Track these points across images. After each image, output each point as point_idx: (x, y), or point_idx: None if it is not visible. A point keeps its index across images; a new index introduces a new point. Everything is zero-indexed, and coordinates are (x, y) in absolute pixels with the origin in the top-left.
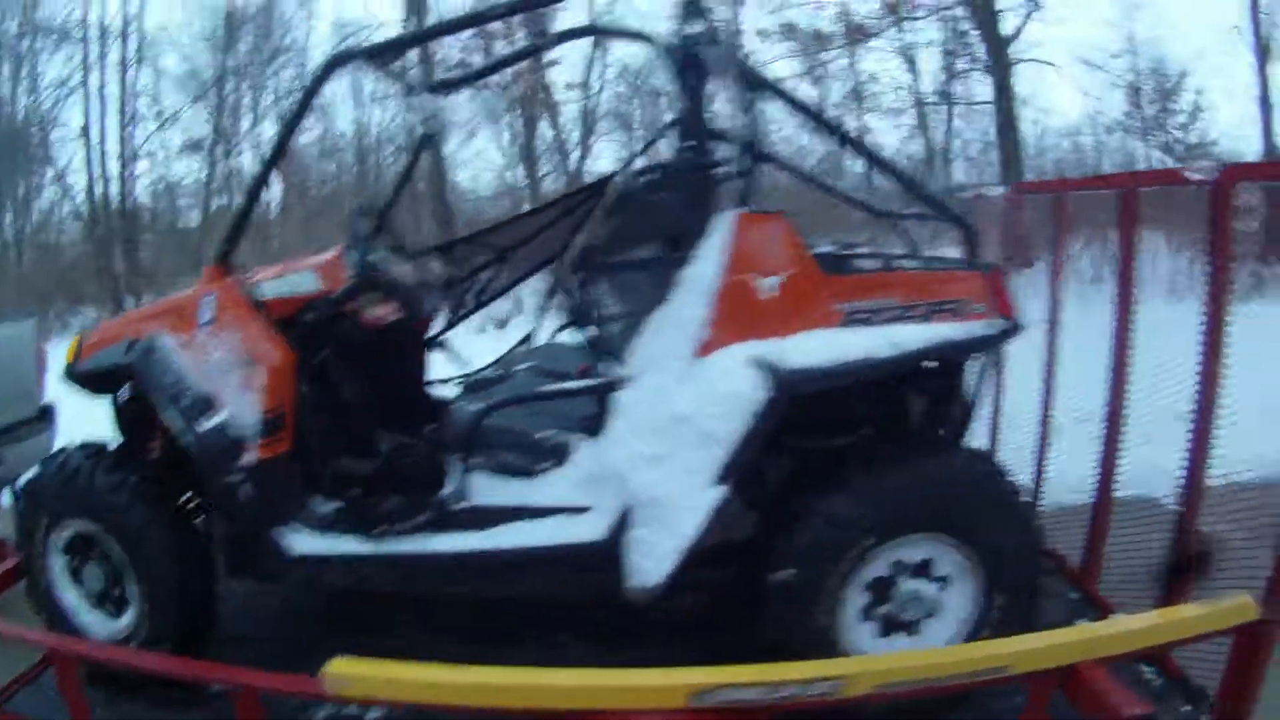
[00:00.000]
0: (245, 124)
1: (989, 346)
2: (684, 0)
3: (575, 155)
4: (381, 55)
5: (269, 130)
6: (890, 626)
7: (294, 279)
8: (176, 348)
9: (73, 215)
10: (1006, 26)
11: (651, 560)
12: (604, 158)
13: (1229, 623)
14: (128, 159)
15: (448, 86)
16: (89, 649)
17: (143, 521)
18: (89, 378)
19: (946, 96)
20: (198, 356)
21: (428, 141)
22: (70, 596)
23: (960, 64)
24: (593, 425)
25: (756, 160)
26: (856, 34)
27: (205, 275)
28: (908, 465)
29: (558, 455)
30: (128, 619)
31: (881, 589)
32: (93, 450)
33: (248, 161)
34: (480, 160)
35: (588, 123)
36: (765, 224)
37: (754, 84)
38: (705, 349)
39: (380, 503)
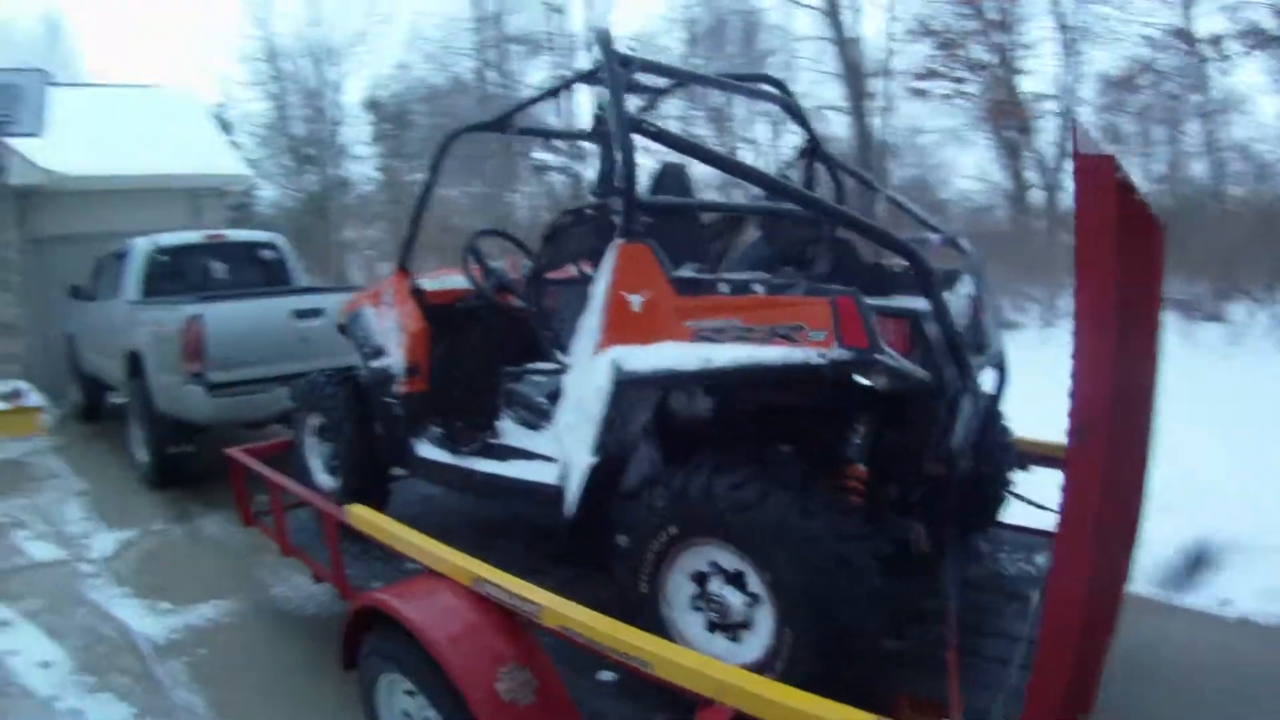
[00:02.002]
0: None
1: (815, 374)
2: (597, 48)
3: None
4: (494, 126)
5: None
6: (715, 626)
7: (446, 279)
8: (370, 316)
9: None
10: None
11: (566, 503)
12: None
13: None
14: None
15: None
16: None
17: (342, 417)
18: (341, 329)
19: None
20: (378, 323)
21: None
22: (316, 462)
23: None
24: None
25: (631, 202)
26: None
27: (394, 272)
28: (729, 475)
29: (550, 417)
30: (337, 481)
31: (703, 585)
32: (328, 373)
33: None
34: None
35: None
36: (636, 251)
37: (642, 132)
38: (598, 348)
39: (460, 431)
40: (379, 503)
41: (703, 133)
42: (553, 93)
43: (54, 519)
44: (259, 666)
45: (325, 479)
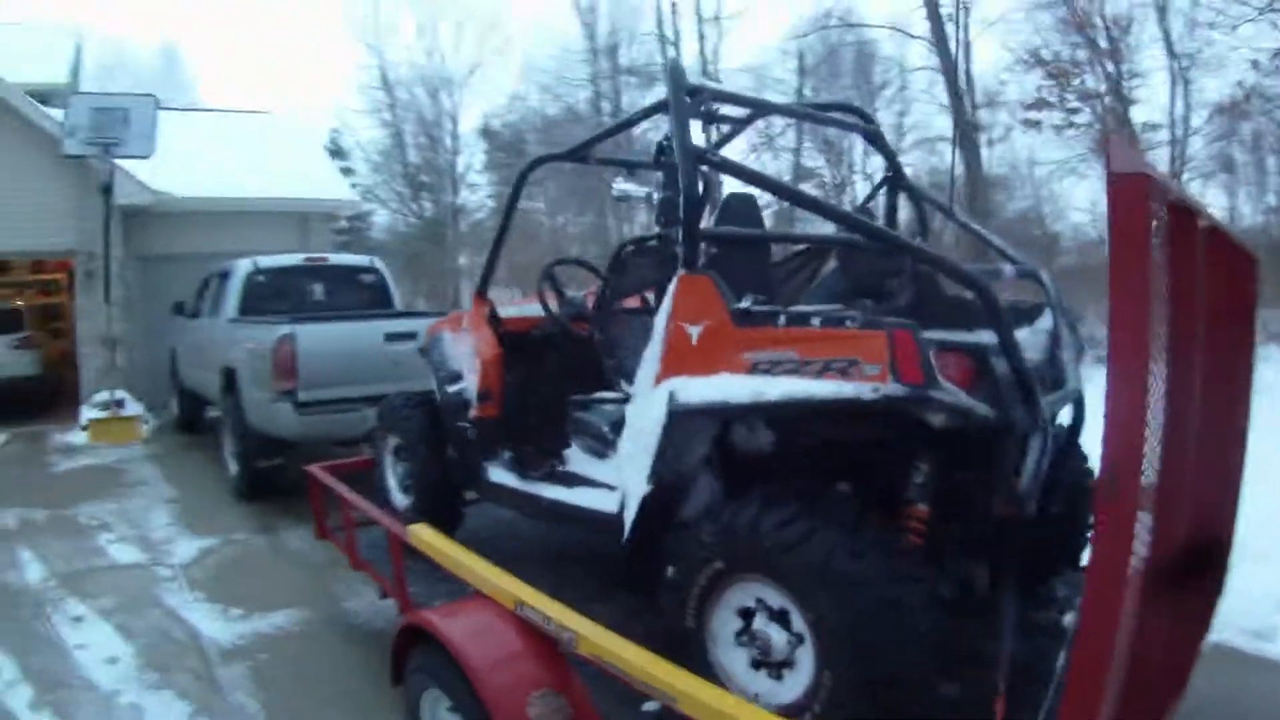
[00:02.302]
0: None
1: (868, 409)
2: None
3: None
4: (571, 156)
5: None
6: (758, 664)
7: (525, 307)
8: (449, 341)
9: None
10: None
11: (624, 531)
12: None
13: None
14: None
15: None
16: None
17: (416, 439)
18: (422, 353)
19: None
20: (456, 348)
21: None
22: (393, 481)
23: None
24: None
25: (692, 233)
26: None
27: (474, 299)
28: (777, 511)
29: (614, 446)
30: (410, 501)
31: (748, 621)
32: (405, 395)
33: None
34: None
35: (1177, 163)
36: (696, 282)
37: (710, 166)
38: (658, 379)
39: (529, 457)
40: (450, 524)
41: (813, 163)
42: (629, 123)
43: (140, 524)
44: (319, 676)
45: (400, 498)
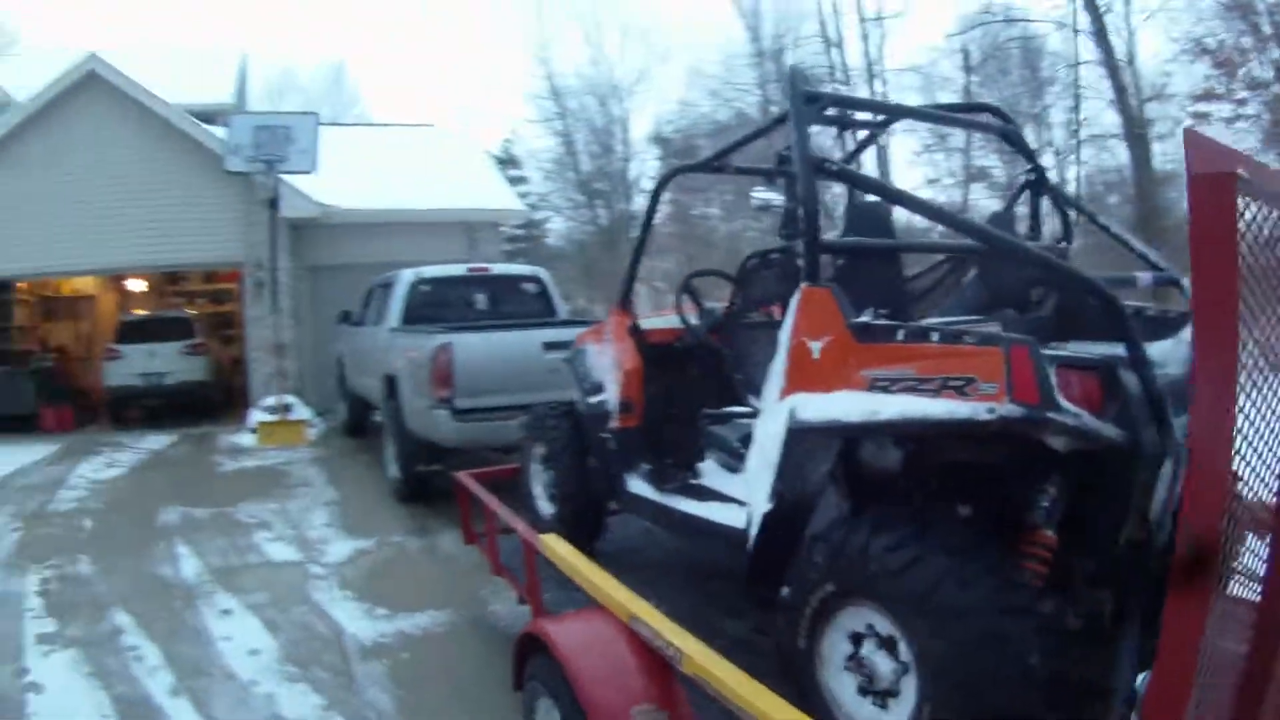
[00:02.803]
0: None
1: (984, 431)
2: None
3: None
4: (707, 166)
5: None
6: (866, 690)
7: (666, 319)
8: (591, 352)
9: None
10: None
11: (747, 548)
12: None
13: None
14: None
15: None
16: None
17: (560, 448)
18: (569, 364)
19: None
20: (597, 360)
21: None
22: (539, 489)
23: None
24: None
25: (813, 244)
26: None
27: (613, 311)
28: (887, 534)
29: (745, 461)
30: (554, 509)
31: (858, 646)
32: (551, 405)
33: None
34: None
35: None
36: (817, 296)
37: (828, 176)
38: (782, 394)
39: (667, 469)
40: (592, 534)
41: (988, 164)
42: (760, 133)
43: (298, 524)
44: (454, 677)
45: (545, 506)
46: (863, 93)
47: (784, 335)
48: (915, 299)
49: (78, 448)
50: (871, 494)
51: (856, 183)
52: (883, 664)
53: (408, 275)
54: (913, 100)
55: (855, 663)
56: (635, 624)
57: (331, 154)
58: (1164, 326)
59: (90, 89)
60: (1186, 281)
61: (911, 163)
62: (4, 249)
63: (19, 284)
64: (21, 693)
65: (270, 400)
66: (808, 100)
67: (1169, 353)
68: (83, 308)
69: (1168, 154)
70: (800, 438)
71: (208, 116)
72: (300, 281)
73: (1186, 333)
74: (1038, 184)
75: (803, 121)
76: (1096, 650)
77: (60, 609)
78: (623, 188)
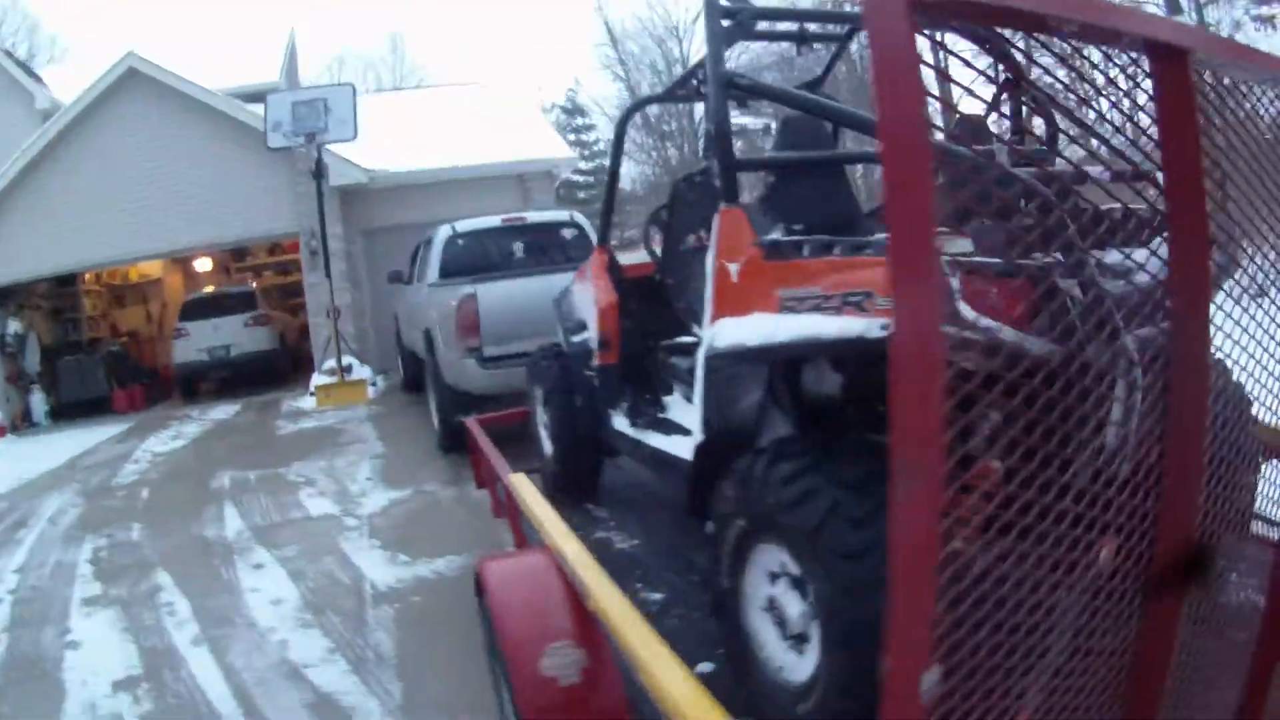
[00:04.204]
0: None
1: (876, 349)
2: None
3: None
4: (671, 95)
5: None
6: (785, 633)
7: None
8: (575, 292)
9: None
10: None
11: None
12: None
13: None
14: None
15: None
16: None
17: (551, 389)
18: (555, 305)
19: None
20: (580, 299)
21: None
22: (542, 431)
23: None
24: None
25: (728, 164)
26: None
27: (595, 250)
28: (785, 464)
29: None
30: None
31: (775, 585)
32: (544, 347)
33: None
34: None
35: None
36: (731, 217)
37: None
38: (711, 320)
39: (638, 404)
40: (590, 472)
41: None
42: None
43: (342, 479)
44: (458, 617)
45: (549, 447)
46: None
47: (709, 259)
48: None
49: (147, 425)
50: (821, 421)
51: (770, 96)
52: (793, 606)
53: (444, 230)
54: None
55: (769, 604)
56: (560, 559)
57: (381, 120)
58: (1138, 229)
59: (132, 85)
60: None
61: None
62: (67, 244)
63: (86, 275)
64: (61, 650)
65: (330, 363)
66: (724, 15)
67: (1141, 259)
68: (151, 291)
69: None
70: (715, 364)
71: (259, 96)
72: (356, 245)
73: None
74: (1016, 84)
75: (715, 36)
76: None
77: (108, 573)
78: (690, 127)
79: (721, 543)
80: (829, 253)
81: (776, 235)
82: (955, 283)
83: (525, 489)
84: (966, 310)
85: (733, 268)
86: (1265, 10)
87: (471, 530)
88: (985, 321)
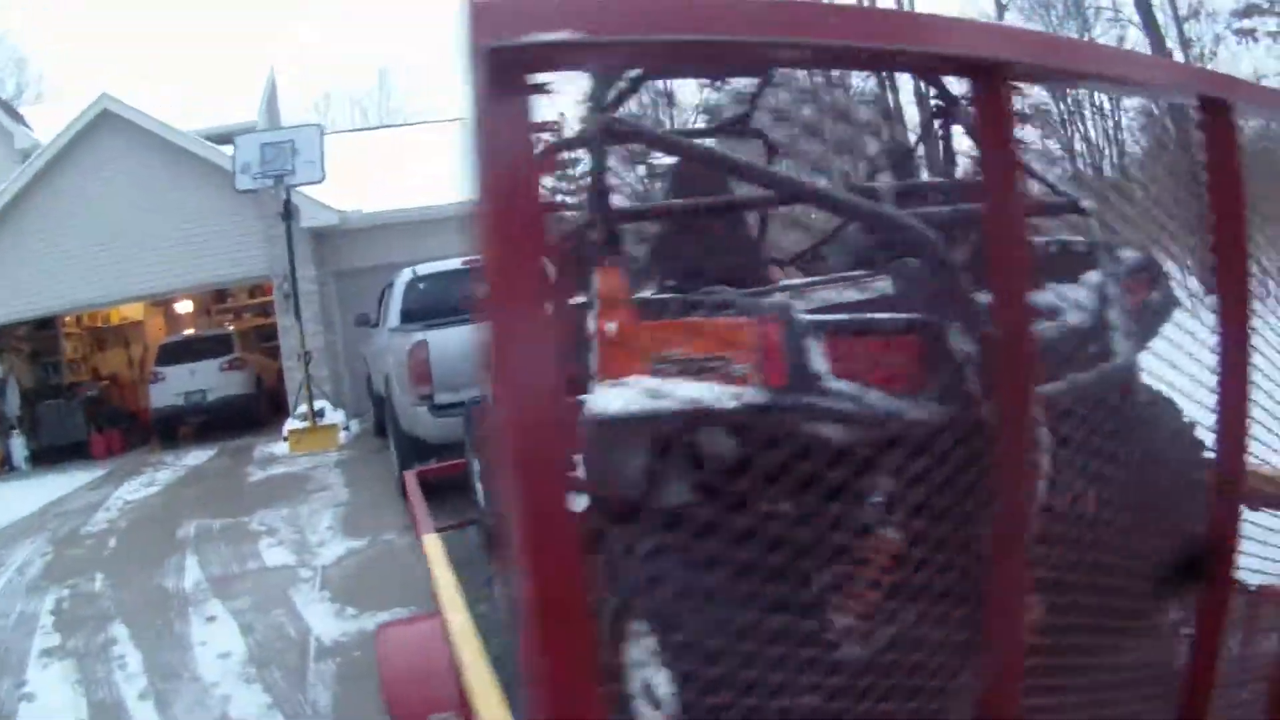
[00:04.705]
0: None
1: (730, 420)
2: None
3: None
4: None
5: None
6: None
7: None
8: None
9: None
10: None
11: None
12: None
13: None
14: None
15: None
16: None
17: (483, 440)
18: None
19: None
20: None
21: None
22: (478, 484)
23: None
24: None
25: (605, 218)
26: None
27: None
28: (646, 540)
29: None
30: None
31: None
32: (478, 398)
33: None
34: None
35: None
36: (609, 274)
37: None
38: (594, 382)
39: None
40: None
41: None
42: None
43: (304, 528)
44: None
45: (483, 498)
46: None
47: (590, 318)
48: (803, 257)
49: (122, 470)
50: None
51: (653, 143)
52: (663, 689)
53: (405, 274)
54: None
55: (643, 685)
56: (446, 628)
57: (358, 159)
58: (1071, 265)
59: (107, 126)
60: (1088, 204)
61: None
62: (44, 287)
63: (65, 319)
64: (16, 702)
65: (302, 408)
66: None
67: (1071, 299)
68: (132, 334)
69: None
70: (592, 431)
71: (236, 135)
72: (326, 287)
73: (1096, 275)
74: (948, 112)
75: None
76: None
77: (68, 624)
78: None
79: (600, 615)
80: (693, 311)
81: (649, 292)
82: (816, 344)
83: (433, 550)
84: (834, 381)
85: (610, 326)
86: (1246, 24)
87: (424, 582)
88: (842, 385)
